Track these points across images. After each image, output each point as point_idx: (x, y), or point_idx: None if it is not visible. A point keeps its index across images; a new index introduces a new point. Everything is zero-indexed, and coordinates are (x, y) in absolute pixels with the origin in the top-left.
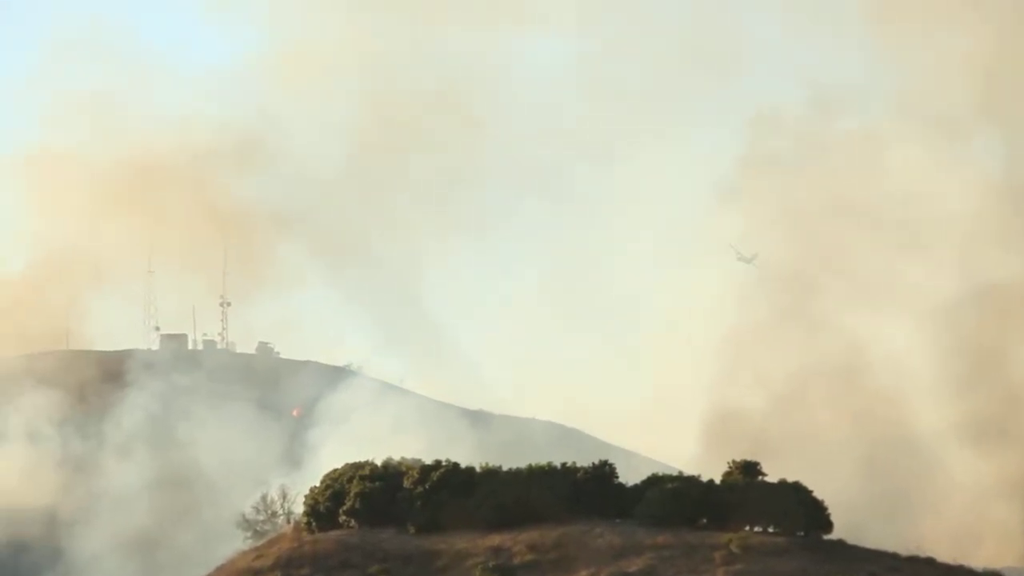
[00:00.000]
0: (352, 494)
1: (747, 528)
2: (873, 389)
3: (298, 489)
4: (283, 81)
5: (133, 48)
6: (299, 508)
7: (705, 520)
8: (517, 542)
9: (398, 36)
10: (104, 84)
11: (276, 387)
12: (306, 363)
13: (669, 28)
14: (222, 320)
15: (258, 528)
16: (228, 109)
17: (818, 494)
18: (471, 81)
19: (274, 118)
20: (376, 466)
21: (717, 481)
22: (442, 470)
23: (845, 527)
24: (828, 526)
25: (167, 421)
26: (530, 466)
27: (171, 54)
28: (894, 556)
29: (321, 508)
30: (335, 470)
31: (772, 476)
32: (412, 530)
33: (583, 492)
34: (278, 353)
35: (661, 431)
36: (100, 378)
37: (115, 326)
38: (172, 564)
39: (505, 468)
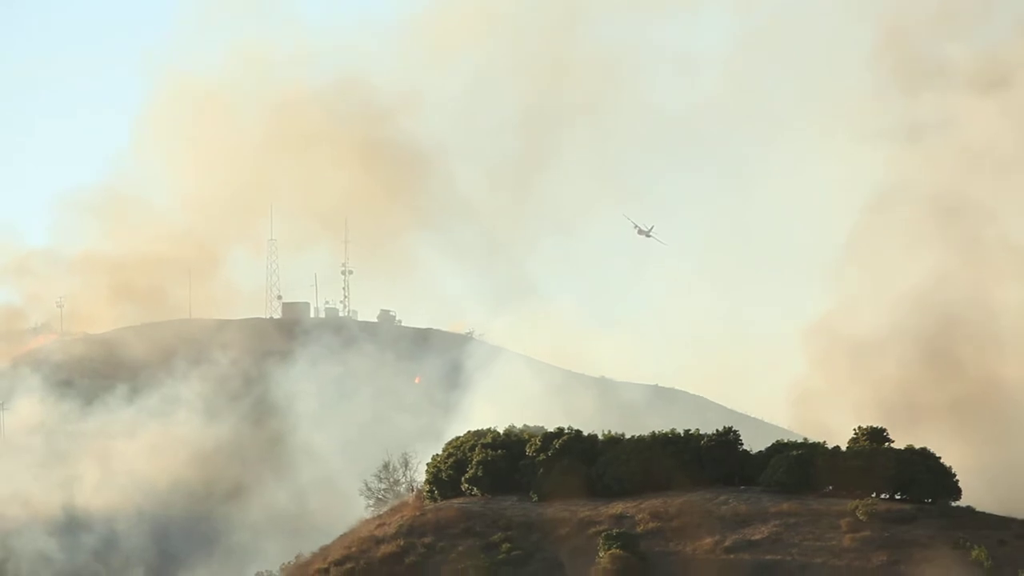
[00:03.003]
0: (474, 462)
1: (874, 495)
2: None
3: (420, 457)
4: (432, 46)
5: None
6: (421, 476)
7: (831, 487)
8: (640, 510)
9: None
10: (252, 37)
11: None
12: (428, 331)
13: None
14: (344, 288)
15: (380, 496)
16: (376, 70)
17: (946, 459)
18: (630, 56)
19: (419, 80)
20: (498, 434)
21: (843, 447)
22: (564, 438)
23: (972, 487)
24: (956, 493)
25: (325, 394)
26: (653, 433)
27: (324, 10)
28: (1023, 523)
29: (443, 476)
30: (457, 438)
31: (899, 440)
32: (535, 498)
33: (707, 459)
34: (399, 321)
35: (788, 397)
36: (243, 346)
37: (236, 294)
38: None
39: (628, 435)
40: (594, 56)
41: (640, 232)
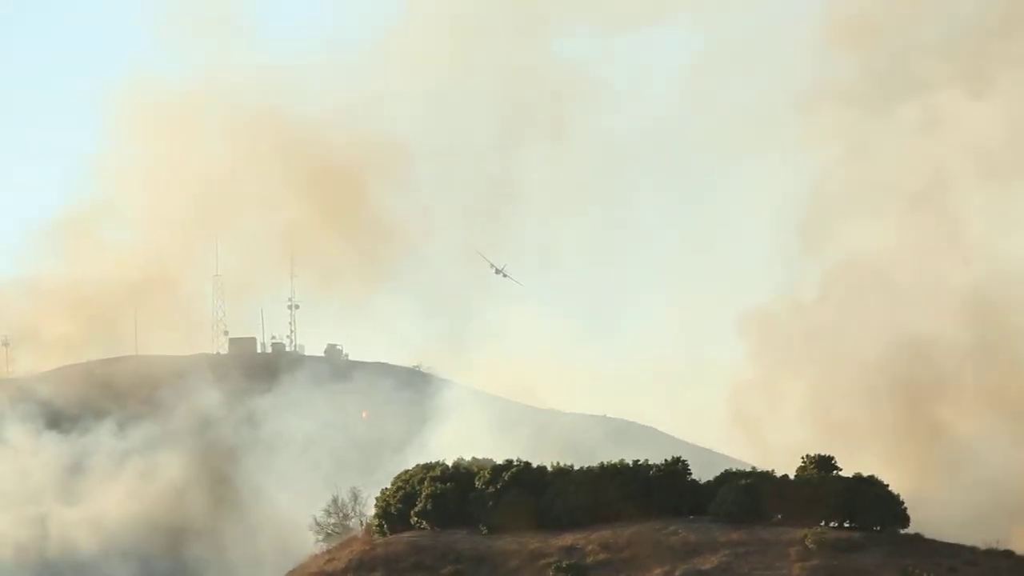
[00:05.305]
0: (423, 495)
1: (822, 523)
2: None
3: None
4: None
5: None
6: (370, 510)
7: (780, 516)
8: (590, 541)
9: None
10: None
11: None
12: (375, 364)
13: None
14: (290, 323)
15: (330, 531)
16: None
17: (893, 485)
18: (581, 76)
19: (376, 107)
20: (447, 467)
21: (791, 476)
22: (513, 470)
23: (920, 512)
24: (905, 520)
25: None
26: (602, 464)
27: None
28: (972, 550)
29: (392, 510)
30: (406, 471)
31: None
32: (484, 530)
33: (656, 490)
34: (346, 355)
35: (733, 426)
36: (205, 382)
37: (180, 330)
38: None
39: (577, 467)
40: (555, 75)
41: (496, 272)
